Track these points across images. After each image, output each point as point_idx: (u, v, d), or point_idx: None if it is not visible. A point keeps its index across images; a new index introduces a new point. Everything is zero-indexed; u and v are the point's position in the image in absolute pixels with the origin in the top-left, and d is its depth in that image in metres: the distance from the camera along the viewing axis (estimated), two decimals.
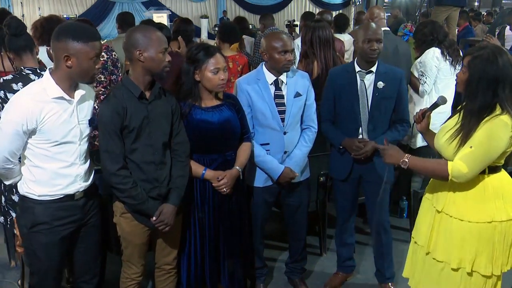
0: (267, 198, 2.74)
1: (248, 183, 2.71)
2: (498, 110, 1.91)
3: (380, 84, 2.65)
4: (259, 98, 2.57)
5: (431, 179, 2.25)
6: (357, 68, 2.70)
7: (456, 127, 1.99)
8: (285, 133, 2.62)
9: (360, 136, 2.72)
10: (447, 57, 3.52)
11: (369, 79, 2.68)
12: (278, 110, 2.58)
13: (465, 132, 1.94)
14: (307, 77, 2.70)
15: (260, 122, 2.60)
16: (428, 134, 2.28)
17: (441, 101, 2.19)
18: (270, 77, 2.60)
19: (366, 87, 2.68)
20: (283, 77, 2.60)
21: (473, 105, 1.94)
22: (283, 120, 2.60)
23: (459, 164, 1.93)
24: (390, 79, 2.67)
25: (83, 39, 1.92)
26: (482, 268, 2.03)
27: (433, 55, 3.54)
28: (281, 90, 2.61)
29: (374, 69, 2.68)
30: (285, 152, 2.65)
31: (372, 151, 2.67)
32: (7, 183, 2.19)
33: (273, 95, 2.59)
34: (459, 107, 2.10)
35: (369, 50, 2.60)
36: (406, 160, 2.06)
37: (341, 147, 2.76)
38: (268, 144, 2.63)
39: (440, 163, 2.01)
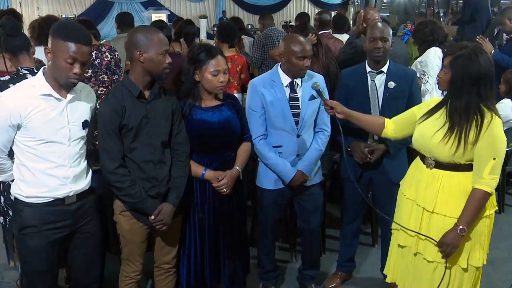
0: (278, 200, 2.72)
1: (258, 184, 2.70)
2: (486, 111, 1.96)
3: (391, 84, 2.66)
4: (273, 100, 2.54)
5: (406, 178, 2.28)
6: (368, 69, 2.71)
7: (446, 127, 2.02)
8: (298, 136, 2.59)
9: (370, 139, 2.72)
10: None
11: (380, 79, 2.69)
12: (292, 113, 2.55)
13: (458, 131, 1.97)
14: (322, 80, 2.65)
15: (274, 124, 2.57)
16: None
17: None
18: (286, 79, 2.56)
19: (377, 88, 2.68)
20: (298, 80, 2.57)
21: (459, 104, 1.98)
22: (297, 123, 2.56)
23: (491, 178, 1.97)
24: (402, 79, 2.68)
25: (61, 36, 1.86)
26: (476, 261, 2.08)
27: (435, 54, 3.55)
28: (296, 93, 2.57)
29: (385, 69, 2.68)
30: (297, 155, 2.62)
31: (382, 153, 2.68)
32: (0, 179, 2.18)
33: (287, 97, 2.56)
34: (437, 105, 2.12)
35: (373, 48, 2.62)
36: (464, 228, 1.98)
37: (349, 149, 2.76)
38: (280, 146, 2.60)
39: (476, 197, 1.98)
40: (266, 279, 2.94)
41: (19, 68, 2.52)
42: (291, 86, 2.56)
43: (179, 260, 2.51)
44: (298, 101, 2.57)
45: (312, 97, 2.58)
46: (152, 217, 2.21)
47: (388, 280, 2.39)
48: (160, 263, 2.47)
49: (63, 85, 1.96)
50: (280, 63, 2.59)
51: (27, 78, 2.46)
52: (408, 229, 2.17)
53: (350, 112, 2.34)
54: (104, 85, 3.58)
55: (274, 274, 2.94)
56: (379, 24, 2.70)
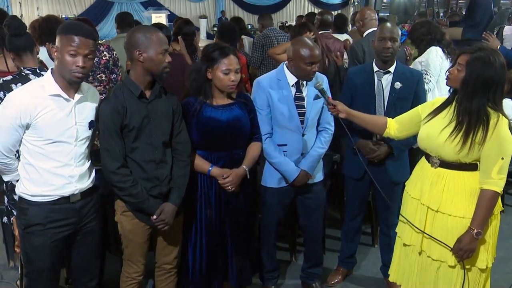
0: (281, 199, 2.72)
1: (262, 183, 2.70)
2: (492, 112, 1.95)
3: (397, 85, 2.67)
4: (279, 99, 2.54)
5: (411, 177, 2.28)
6: (375, 68, 2.72)
7: (453, 125, 2.01)
8: (303, 135, 2.60)
9: (374, 138, 2.73)
10: (448, 56, 3.54)
11: (387, 79, 2.71)
12: (298, 112, 2.56)
13: (466, 130, 1.97)
14: (325, 80, 2.65)
15: (279, 122, 2.58)
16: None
17: None
18: (292, 79, 2.56)
19: (383, 87, 2.70)
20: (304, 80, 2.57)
21: (470, 105, 1.97)
22: (302, 122, 2.57)
23: (499, 178, 1.97)
24: (408, 80, 2.69)
25: (64, 32, 1.91)
26: (480, 262, 2.07)
27: (436, 53, 3.55)
28: (302, 92, 2.57)
29: (392, 69, 2.70)
30: (301, 154, 2.62)
31: (385, 154, 2.70)
32: (5, 179, 2.19)
33: (293, 96, 2.56)
34: (442, 104, 2.12)
35: (382, 48, 2.63)
36: (479, 231, 1.98)
37: (354, 147, 2.76)
38: (285, 145, 2.61)
39: (486, 197, 1.98)
40: (267, 279, 2.93)
41: (21, 68, 2.52)
42: (297, 85, 2.56)
43: (181, 258, 2.50)
44: (304, 100, 2.57)
45: (317, 97, 2.59)
46: (154, 216, 2.21)
47: (390, 279, 2.39)
48: (161, 263, 2.47)
49: (68, 82, 1.97)
50: (285, 62, 2.59)
51: (29, 78, 2.47)
52: (415, 226, 2.16)
53: (352, 112, 2.35)
54: (102, 84, 3.60)
55: (275, 274, 2.94)
56: (389, 24, 2.71)
